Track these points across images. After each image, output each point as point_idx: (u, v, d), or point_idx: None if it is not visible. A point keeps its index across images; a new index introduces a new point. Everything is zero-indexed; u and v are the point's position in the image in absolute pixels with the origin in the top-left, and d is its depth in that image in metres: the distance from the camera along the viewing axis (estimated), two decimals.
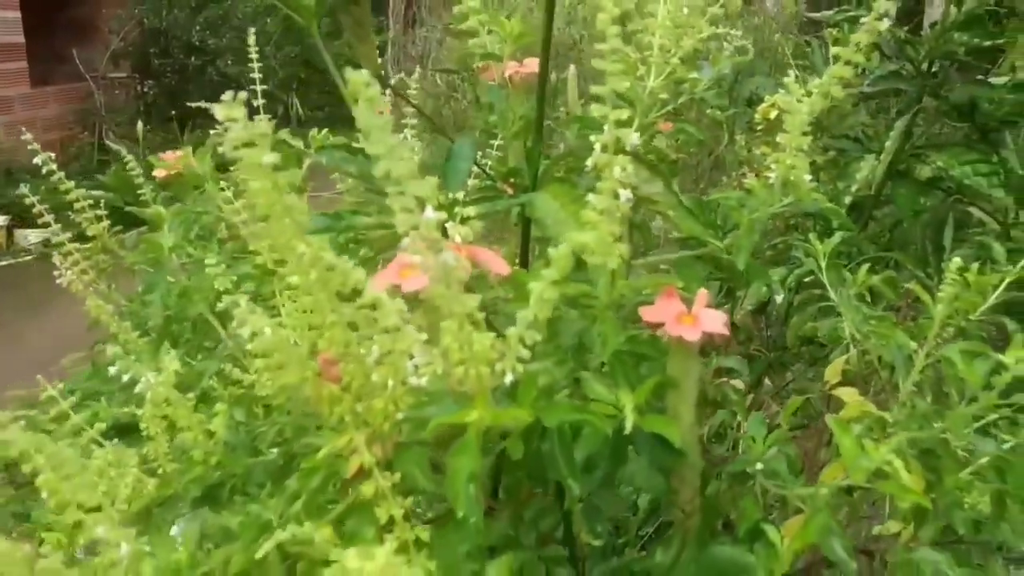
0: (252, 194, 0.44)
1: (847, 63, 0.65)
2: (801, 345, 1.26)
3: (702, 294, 0.59)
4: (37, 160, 1.13)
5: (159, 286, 0.94)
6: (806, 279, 1.23)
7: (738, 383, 0.97)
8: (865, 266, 1.04)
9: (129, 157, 1.24)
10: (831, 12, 1.63)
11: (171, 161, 1.45)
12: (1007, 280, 0.99)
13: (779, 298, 1.45)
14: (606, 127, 0.52)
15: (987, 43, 1.34)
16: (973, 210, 1.62)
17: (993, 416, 0.74)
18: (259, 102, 1.26)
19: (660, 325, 0.57)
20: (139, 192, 1.18)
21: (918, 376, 0.78)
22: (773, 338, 1.43)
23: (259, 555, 0.52)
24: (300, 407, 0.81)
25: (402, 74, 1.05)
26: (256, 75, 1.23)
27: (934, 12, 2.32)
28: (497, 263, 0.56)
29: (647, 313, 0.58)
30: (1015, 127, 1.43)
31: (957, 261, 0.79)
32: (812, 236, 1.09)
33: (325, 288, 0.49)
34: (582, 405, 0.54)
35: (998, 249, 1.05)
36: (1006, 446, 0.82)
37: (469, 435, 0.49)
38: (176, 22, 8.20)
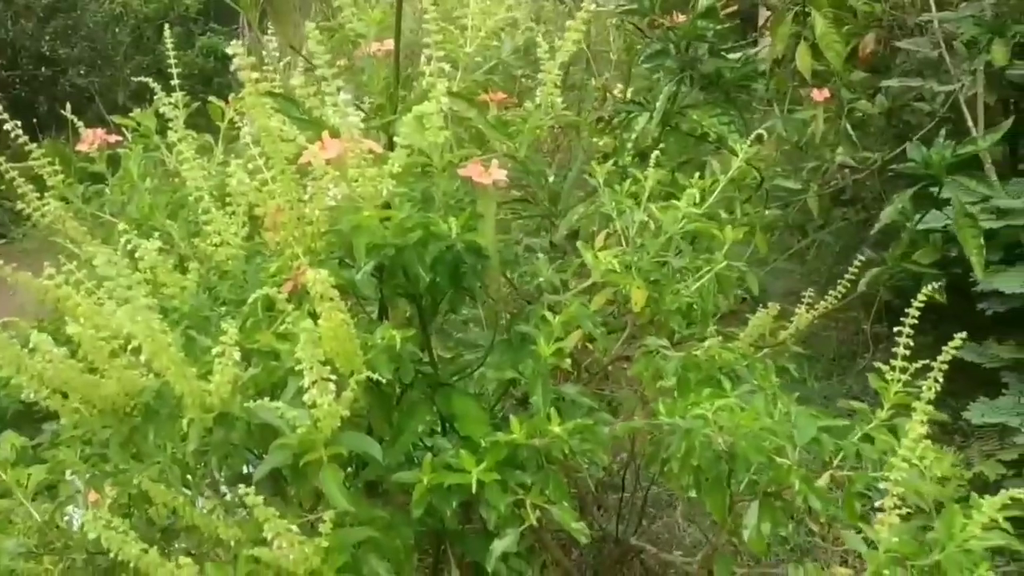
0: (249, 104, 0.84)
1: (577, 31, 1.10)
2: None
3: (495, 163, 1.02)
4: None
5: (135, 201, 1.30)
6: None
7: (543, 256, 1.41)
8: (628, 180, 1.51)
9: None
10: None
11: (92, 136, 1.80)
12: (720, 185, 1.48)
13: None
14: (431, 64, 0.95)
15: (719, 27, 1.84)
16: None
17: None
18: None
19: (470, 178, 1.01)
20: (87, 154, 1.53)
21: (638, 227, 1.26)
22: None
23: (248, 313, 0.92)
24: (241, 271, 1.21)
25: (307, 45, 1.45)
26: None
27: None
28: (375, 145, 0.98)
29: (462, 171, 1.01)
30: (747, 90, 1.95)
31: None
32: (595, 164, 1.55)
33: (283, 153, 0.90)
34: (430, 217, 0.96)
35: (715, 165, 1.54)
36: (705, 270, 1.30)
37: (363, 224, 0.91)
38: (24, 32, 8.13)
